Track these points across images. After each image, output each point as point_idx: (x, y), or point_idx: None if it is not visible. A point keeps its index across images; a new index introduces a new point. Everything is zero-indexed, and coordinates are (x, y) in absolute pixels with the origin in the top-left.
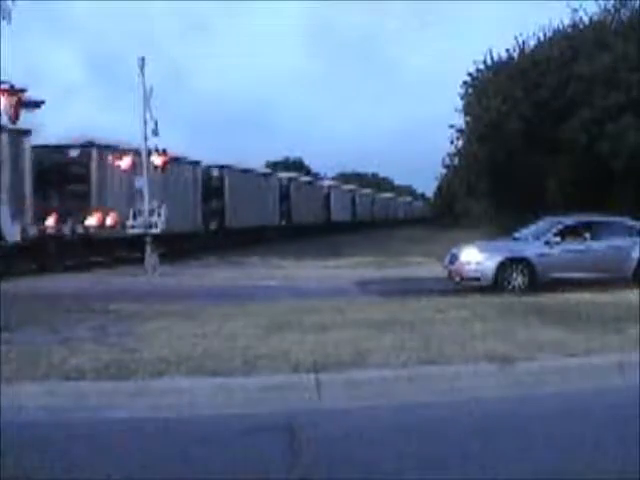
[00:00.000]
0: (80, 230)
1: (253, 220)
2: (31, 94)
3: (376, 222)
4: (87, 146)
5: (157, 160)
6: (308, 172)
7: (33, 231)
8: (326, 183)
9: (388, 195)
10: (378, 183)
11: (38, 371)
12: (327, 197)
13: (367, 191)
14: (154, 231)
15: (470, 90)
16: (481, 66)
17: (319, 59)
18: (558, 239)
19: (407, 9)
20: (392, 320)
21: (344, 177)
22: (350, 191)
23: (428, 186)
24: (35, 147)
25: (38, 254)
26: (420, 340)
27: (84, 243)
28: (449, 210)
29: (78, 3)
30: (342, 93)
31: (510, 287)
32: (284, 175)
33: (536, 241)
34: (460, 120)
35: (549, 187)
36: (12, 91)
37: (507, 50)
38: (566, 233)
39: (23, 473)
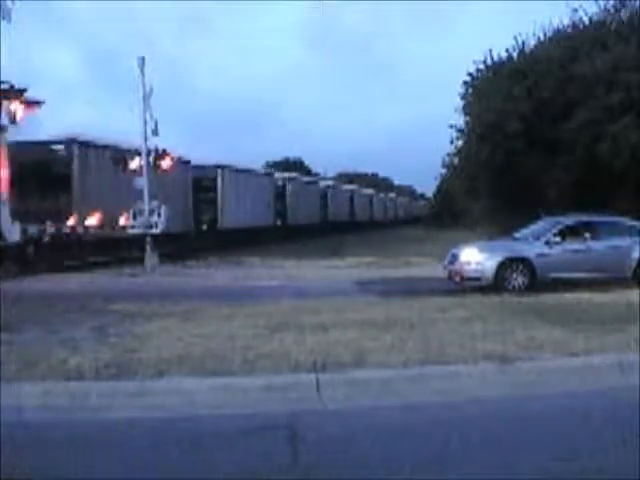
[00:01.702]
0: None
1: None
2: (31, 94)
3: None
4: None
5: (164, 164)
6: (308, 172)
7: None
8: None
9: (390, 195)
10: (378, 183)
11: (38, 371)
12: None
13: (376, 193)
14: (154, 231)
15: (470, 90)
16: (481, 66)
17: (319, 59)
18: (558, 239)
19: (407, 9)
20: (392, 320)
21: (344, 177)
22: (360, 192)
23: (428, 186)
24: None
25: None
26: (420, 340)
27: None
28: (449, 210)
29: (78, 3)
30: (342, 93)
31: (510, 287)
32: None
33: (536, 241)
34: (460, 120)
35: (549, 187)
36: (12, 91)
37: (507, 50)
38: (566, 233)
39: (23, 473)
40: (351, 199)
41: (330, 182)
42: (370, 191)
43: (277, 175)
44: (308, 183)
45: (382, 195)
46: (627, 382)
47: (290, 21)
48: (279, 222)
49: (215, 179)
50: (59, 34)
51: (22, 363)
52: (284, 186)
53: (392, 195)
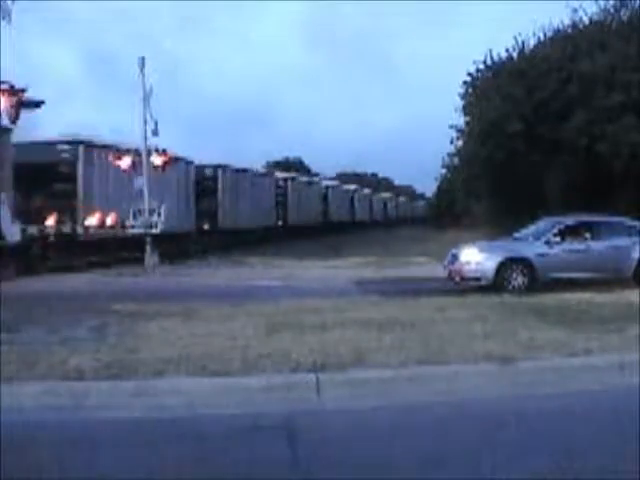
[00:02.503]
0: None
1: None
2: (31, 94)
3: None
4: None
5: (157, 160)
6: (308, 172)
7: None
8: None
9: (388, 195)
10: (378, 183)
11: (38, 371)
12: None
13: (360, 190)
14: (154, 231)
15: (470, 90)
16: (481, 66)
17: (319, 59)
18: (558, 239)
19: (407, 9)
20: (392, 320)
21: (344, 177)
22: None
23: (428, 186)
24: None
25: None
26: (420, 340)
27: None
28: (449, 210)
29: (78, 3)
30: (342, 93)
31: (510, 287)
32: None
33: (536, 241)
34: (460, 120)
35: (549, 187)
36: (12, 91)
37: (507, 50)
38: (566, 233)
39: (23, 473)
40: (325, 197)
41: (288, 175)
42: (352, 187)
43: (200, 162)
44: (251, 174)
45: (368, 192)
46: (627, 382)
47: (290, 21)
48: (207, 226)
49: (74, 163)
50: (59, 34)
51: (22, 363)
52: (214, 178)
53: (387, 194)
